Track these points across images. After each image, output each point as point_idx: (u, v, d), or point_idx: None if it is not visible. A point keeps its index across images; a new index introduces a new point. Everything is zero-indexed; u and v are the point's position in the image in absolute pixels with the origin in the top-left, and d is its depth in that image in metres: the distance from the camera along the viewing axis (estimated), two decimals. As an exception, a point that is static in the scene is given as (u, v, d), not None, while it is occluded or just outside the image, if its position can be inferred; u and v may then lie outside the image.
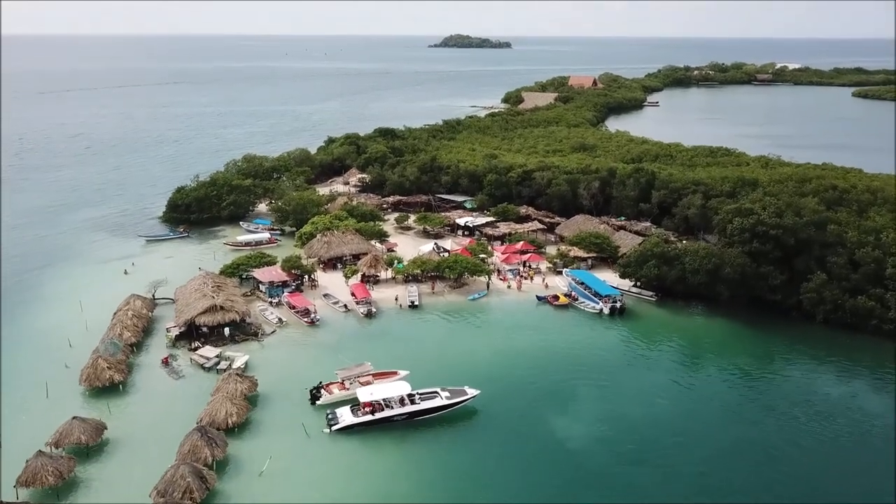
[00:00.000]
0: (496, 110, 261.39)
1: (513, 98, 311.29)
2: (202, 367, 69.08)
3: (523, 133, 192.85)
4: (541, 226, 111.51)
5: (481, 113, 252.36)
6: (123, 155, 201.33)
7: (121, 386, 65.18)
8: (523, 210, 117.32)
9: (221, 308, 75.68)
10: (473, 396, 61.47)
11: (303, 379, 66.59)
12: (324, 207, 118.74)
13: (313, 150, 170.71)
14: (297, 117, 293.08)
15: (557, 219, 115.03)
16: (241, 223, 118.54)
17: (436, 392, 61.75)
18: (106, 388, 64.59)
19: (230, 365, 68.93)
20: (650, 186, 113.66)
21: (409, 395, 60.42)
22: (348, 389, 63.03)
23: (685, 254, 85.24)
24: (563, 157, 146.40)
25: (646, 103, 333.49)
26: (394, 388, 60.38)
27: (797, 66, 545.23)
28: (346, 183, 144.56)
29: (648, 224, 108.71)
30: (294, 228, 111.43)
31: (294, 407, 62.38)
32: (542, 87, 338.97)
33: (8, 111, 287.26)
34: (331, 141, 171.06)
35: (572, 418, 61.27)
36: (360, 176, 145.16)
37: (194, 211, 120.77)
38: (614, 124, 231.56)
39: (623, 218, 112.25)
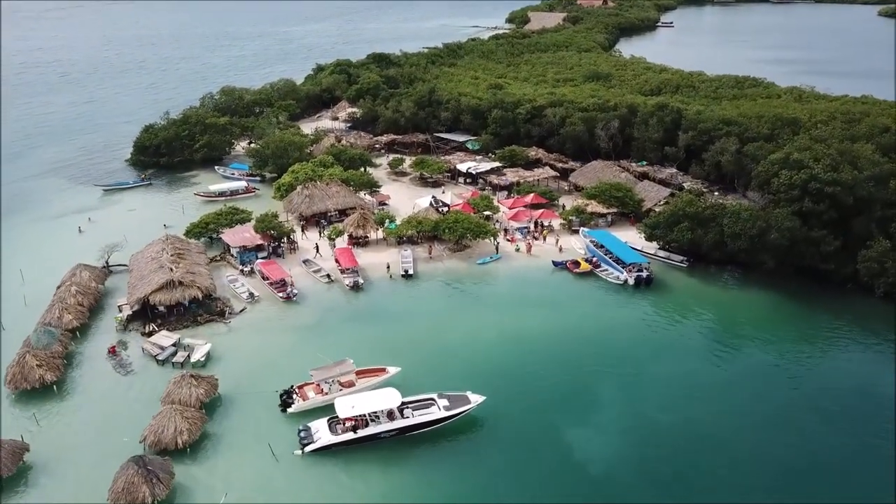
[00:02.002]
0: (500, 31, 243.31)
1: (518, 18, 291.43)
2: (155, 358, 58.15)
3: (530, 59, 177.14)
4: (553, 172, 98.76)
5: (485, 34, 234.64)
6: (101, 83, 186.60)
7: (55, 387, 54.45)
8: (532, 153, 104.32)
9: (180, 283, 64.23)
10: (477, 405, 50.65)
11: (274, 374, 55.86)
12: (308, 150, 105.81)
13: (302, 78, 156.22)
14: (290, 40, 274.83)
15: (571, 163, 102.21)
16: (215, 168, 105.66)
17: (432, 400, 50.94)
18: (36, 390, 53.89)
19: (188, 357, 58.07)
20: (676, 126, 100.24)
21: (400, 407, 49.53)
22: (326, 394, 52.24)
23: (723, 214, 73.06)
24: (575, 88, 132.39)
25: (659, 24, 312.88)
26: (380, 399, 49.35)
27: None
28: (335, 118, 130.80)
29: (674, 171, 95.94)
30: (275, 175, 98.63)
31: (261, 416, 51.68)
32: (550, 7, 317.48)
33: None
34: (319, 69, 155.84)
35: (594, 429, 50.54)
36: (350, 110, 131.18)
37: (164, 153, 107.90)
38: (627, 48, 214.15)
39: (645, 163, 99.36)
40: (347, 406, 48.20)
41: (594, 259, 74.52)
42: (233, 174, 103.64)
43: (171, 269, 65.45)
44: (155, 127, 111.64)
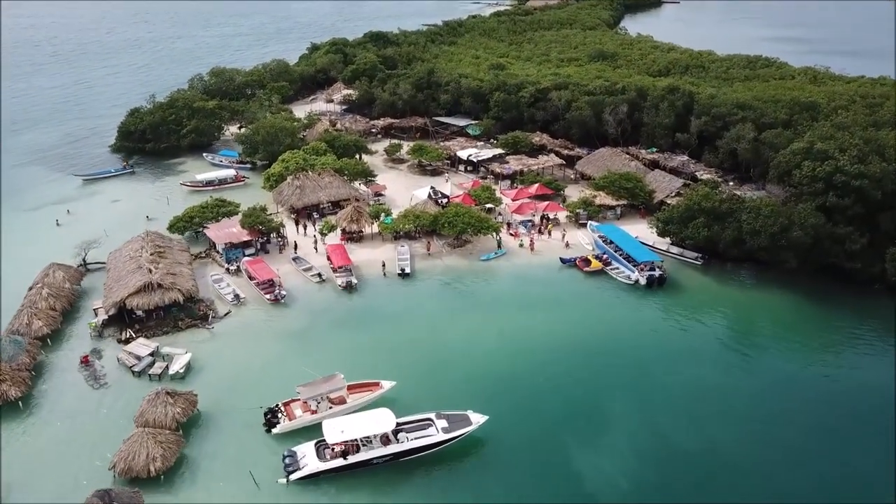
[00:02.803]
0: (502, 8, 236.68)
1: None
2: (131, 369, 53.78)
3: (533, 37, 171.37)
4: (558, 160, 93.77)
5: (486, 11, 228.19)
6: (92, 62, 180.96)
7: (20, 403, 50.10)
8: (536, 138, 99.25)
9: (159, 286, 59.70)
10: (478, 426, 46.33)
11: (259, 388, 51.61)
12: (300, 135, 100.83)
13: (297, 58, 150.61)
14: (287, 16, 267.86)
15: (577, 150, 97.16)
16: (203, 155, 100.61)
17: (429, 420, 46.59)
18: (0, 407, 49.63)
19: (167, 367, 53.72)
20: (688, 111, 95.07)
21: (395, 430, 45.17)
22: (315, 413, 47.94)
23: (741, 209, 68.33)
24: (579, 68, 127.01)
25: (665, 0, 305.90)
26: (373, 421, 44.89)
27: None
28: (330, 100, 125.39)
29: (686, 158, 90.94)
30: (267, 162, 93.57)
31: (243, 436, 47.36)
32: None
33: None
34: (314, 48, 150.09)
35: (606, 452, 46.11)
36: (345, 92, 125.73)
37: (150, 139, 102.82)
38: (632, 26, 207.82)
39: (655, 150, 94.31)
40: (336, 430, 43.83)
41: (605, 256, 69.89)
42: (222, 161, 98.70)
43: (150, 270, 60.90)
44: (141, 111, 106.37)
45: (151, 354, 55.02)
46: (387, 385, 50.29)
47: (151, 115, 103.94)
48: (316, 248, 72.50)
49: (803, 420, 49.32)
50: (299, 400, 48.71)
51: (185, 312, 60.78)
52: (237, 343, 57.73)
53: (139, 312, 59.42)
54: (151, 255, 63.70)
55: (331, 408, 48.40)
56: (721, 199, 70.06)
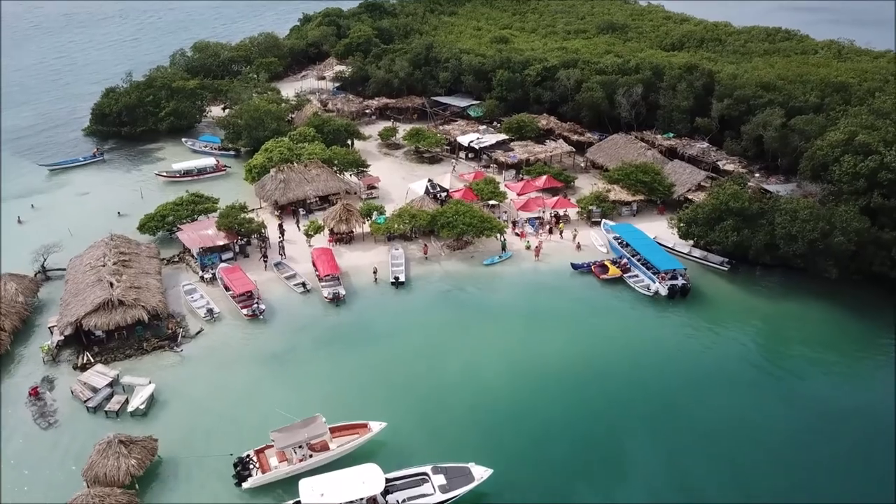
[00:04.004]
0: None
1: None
2: (85, 404, 47.24)
3: (538, 7, 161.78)
4: (567, 147, 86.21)
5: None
6: (75, 34, 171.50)
7: (-46, 449, 43.74)
8: (543, 122, 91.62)
9: (121, 303, 52.86)
10: (481, 481, 39.85)
11: (230, 427, 45.33)
12: (288, 117, 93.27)
13: (288, 30, 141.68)
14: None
15: (588, 136, 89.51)
16: (183, 140, 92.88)
17: (424, 476, 40.08)
18: (-70, 454, 43.22)
19: (126, 401, 47.21)
20: (708, 92, 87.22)
21: (385, 489, 38.64)
22: (299, 461, 41.47)
23: (775, 211, 61.20)
24: (588, 41, 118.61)
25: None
26: (357, 481, 38.26)
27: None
28: (322, 77, 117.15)
29: (706, 145, 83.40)
30: (251, 149, 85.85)
31: (210, 491, 40.95)
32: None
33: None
34: (306, 20, 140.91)
35: (629, 510, 40.01)
36: (338, 68, 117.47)
37: (125, 122, 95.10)
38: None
39: (672, 135, 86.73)
40: (315, 493, 37.34)
41: (623, 261, 62.88)
42: (204, 147, 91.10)
43: (112, 284, 54.02)
44: (117, 91, 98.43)
45: (110, 385, 48.45)
46: (376, 427, 43.74)
47: (127, 95, 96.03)
48: (282, 254, 65.62)
49: (858, 467, 42.89)
50: (274, 446, 42.20)
51: (152, 331, 54.11)
52: (208, 370, 51.07)
53: (98, 333, 52.71)
54: (115, 264, 56.77)
55: (311, 456, 41.93)
56: (751, 198, 62.85)
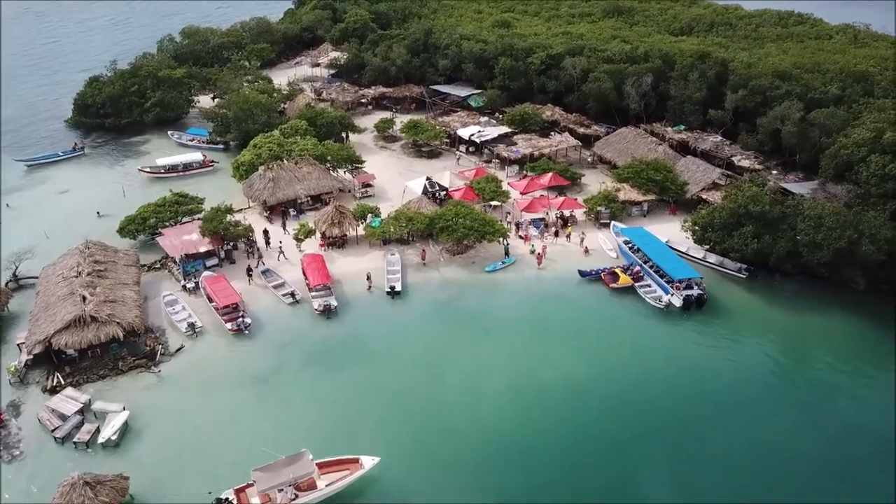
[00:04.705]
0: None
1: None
2: (53, 434, 43.49)
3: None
4: (573, 141, 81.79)
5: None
6: (66, 17, 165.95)
7: None
8: (547, 113, 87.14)
9: (93, 319, 48.94)
10: (484, 528, 36.25)
11: (209, 460, 41.71)
12: (280, 108, 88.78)
13: (282, 13, 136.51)
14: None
15: (595, 128, 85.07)
16: (169, 133, 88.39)
17: (420, 523, 36.48)
18: None
19: (97, 430, 43.47)
20: (721, 82, 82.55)
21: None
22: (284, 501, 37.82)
23: (797, 215, 57.03)
24: (593, 25, 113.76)
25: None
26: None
27: None
28: (317, 64, 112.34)
29: (719, 139, 78.96)
30: (241, 143, 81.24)
31: (185, 537, 37.43)
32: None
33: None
34: (300, 3, 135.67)
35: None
36: (333, 54, 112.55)
37: (109, 114, 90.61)
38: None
39: (683, 128, 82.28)
40: (299, 545, 33.71)
41: (636, 269, 58.79)
42: (191, 141, 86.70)
43: (84, 298, 50.04)
44: (101, 80, 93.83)
45: (80, 412, 44.69)
46: (368, 462, 40.05)
47: (111, 85, 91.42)
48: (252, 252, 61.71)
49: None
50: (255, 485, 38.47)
51: (129, 349, 50.29)
52: (187, 393, 47.23)
53: (70, 352, 48.86)
54: (89, 275, 52.73)
55: (296, 497, 38.21)
56: (772, 201, 58.64)
